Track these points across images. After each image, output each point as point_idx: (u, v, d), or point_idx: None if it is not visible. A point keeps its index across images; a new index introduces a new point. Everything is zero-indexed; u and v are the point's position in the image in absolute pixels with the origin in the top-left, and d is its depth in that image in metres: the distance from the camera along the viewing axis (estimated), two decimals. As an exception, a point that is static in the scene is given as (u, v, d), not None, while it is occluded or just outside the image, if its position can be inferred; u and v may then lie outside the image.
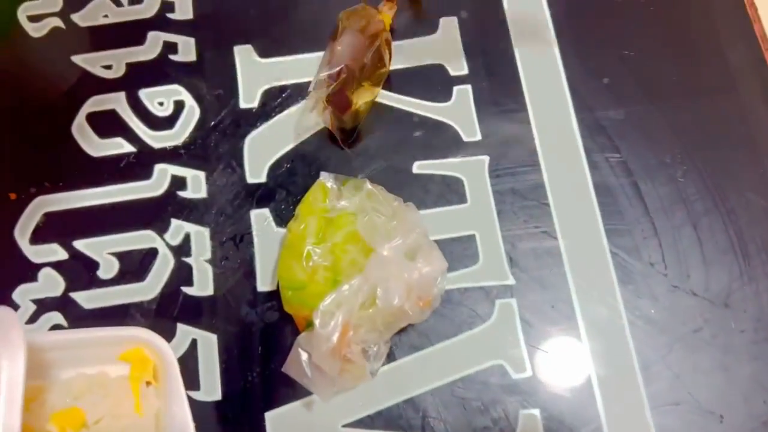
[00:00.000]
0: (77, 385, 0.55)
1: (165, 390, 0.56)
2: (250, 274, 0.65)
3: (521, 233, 0.66)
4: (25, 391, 0.54)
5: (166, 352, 0.57)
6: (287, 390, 0.61)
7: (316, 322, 0.55)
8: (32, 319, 0.63)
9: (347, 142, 0.68)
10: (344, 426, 0.61)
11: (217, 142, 0.69)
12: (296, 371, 0.57)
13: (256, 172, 0.69)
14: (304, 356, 0.56)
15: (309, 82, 0.67)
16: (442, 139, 0.69)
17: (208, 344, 0.63)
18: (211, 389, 0.61)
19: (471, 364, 0.62)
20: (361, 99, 0.68)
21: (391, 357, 0.62)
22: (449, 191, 0.67)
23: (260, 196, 0.68)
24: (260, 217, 0.67)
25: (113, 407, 0.55)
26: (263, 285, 0.65)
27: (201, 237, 0.66)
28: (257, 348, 0.62)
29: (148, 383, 0.57)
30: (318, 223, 0.60)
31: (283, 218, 0.67)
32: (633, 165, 0.68)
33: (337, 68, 0.65)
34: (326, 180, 0.62)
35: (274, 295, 0.64)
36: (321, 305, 0.56)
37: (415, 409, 0.60)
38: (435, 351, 0.62)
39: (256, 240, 0.66)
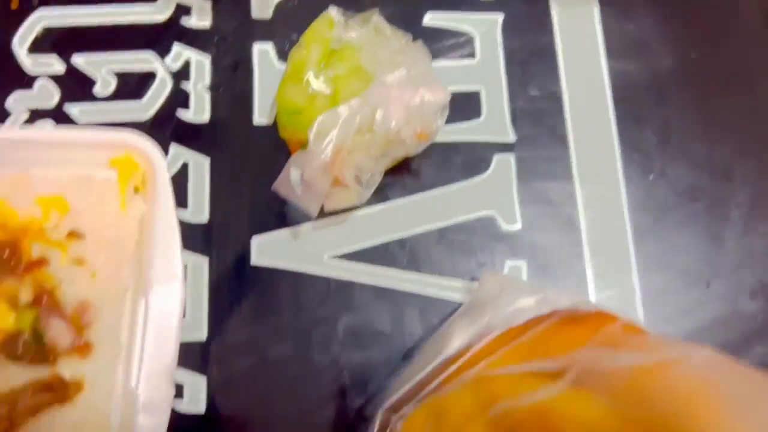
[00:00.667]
0: (64, 177, 0.55)
1: (153, 197, 0.55)
2: (248, 104, 0.64)
3: (527, 94, 0.64)
4: (11, 179, 0.54)
5: (157, 159, 0.56)
6: (276, 217, 0.61)
7: (311, 137, 0.54)
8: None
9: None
10: (330, 257, 0.60)
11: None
12: (286, 189, 0.56)
13: (262, 9, 0.67)
14: (295, 174, 0.56)
15: None
16: (456, -7, 0.67)
17: (200, 167, 0.62)
18: (199, 211, 0.61)
19: (463, 212, 0.61)
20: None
21: (383, 198, 0.61)
22: (458, 45, 0.66)
23: (265, 31, 0.66)
24: (263, 52, 0.66)
25: (98, 203, 0.55)
26: (261, 117, 0.64)
27: (201, 64, 0.65)
28: (248, 174, 0.62)
29: (136, 189, 0.57)
30: (322, 51, 0.59)
31: (285, 55, 0.65)
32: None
33: None
34: (334, 12, 0.61)
35: (270, 129, 0.63)
36: (316, 121, 0.55)
37: (402, 247, 0.60)
38: (428, 196, 0.62)
39: (256, 72, 0.65)
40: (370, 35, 0.59)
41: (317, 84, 0.58)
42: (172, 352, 0.51)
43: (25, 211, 0.53)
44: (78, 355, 0.51)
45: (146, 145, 0.56)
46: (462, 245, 0.60)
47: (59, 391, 0.50)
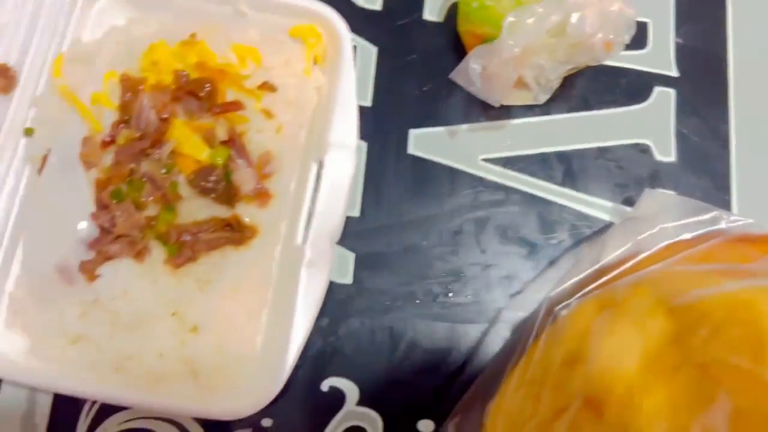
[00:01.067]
0: (257, 35, 0.55)
1: (335, 69, 0.56)
2: (420, 1, 0.64)
3: (693, 32, 0.65)
4: (210, 26, 0.54)
5: (343, 32, 0.56)
6: (434, 114, 0.61)
7: (504, 29, 0.55)
8: None
9: None
10: (483, 159, 0.61)
11: None
12: (464, 78, 0.56)
13: None
14: (476, 65, 0.56)
15: None
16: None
17: (367, 53, 0.63)
18: (363, 97, 0.61)
19: (620, 136, 0.62)
20: None
21: (546, 111, 0.62)
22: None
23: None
24: (440, -48, 0.66)
25: (285, 64, 0.56)
26: (430, 15, 0.64)
27: (377, -44, 0.65)
28: (414, 67, 0.62)
29: (315, 60, 0.57)
30: (511, -48, 0.59)
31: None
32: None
33: None
34: None
35: (439, 27, 0.64)
36: (511, 14, 0.55)
37: (559, 161, 0.61)
38: (590, 115, 0.62)
39: (433, -30, 0.65)
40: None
41: (505, -15, 0.58)
42: (339, 217, 0.52)
43: (222, 57, 0.53)
44: (257, 202, 0.52)
45: (334, 18, 0.56)
46: (616, 168, 0.61)
47: (236, 232, 0.51)
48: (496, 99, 0.56)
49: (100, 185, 0.51)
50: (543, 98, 0.57)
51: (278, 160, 0.53)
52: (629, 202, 0.59)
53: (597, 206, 0.60)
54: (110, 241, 0.50)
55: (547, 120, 0.62)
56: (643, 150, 0.61)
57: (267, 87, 0.53)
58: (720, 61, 0.64)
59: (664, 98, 0.63)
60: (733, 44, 0.65)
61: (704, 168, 0.61)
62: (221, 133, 0.51)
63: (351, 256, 0.58)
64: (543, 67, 0.56)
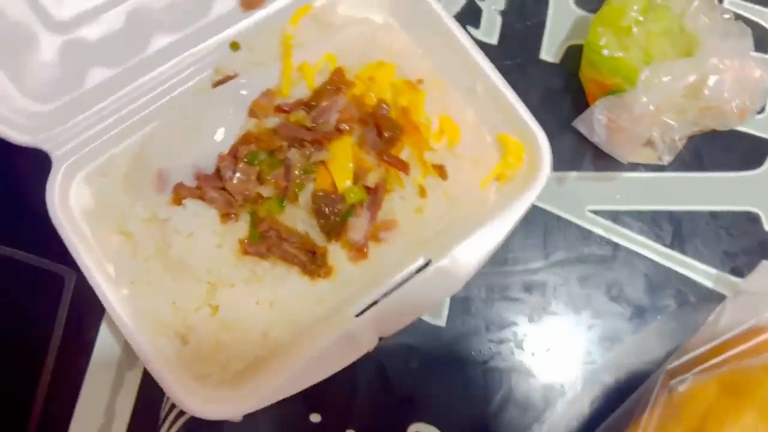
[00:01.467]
0: (473, 116, 0.55)
1: (515, 193, 0.52)
2: (537, 38, 0.62)
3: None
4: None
5: (544, 166, 0.51)
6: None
7: (640, 82, 0.53)
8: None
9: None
10: (591, 211, 0.59)
11: None
12: (587, 128, 0.55)
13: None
14: (602, 117, 0.54)
15: None
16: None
17: (480, 88, 0.61)
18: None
19: (731, 202, 0.60)
20: None
21: (658, 167, 0.60)
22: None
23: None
24: (561, -9, 0.64)
25: (472, 160, 0.54)
26: (547, 55, 0.62)
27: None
28: (530, 105, 0.60)
29: (499, 177, 0.54)
30: (643, 4, 0.57)
31: (582, 0, 0.64)
32: None
33: None
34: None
35: (556, 68, 0.62)
36: (647, 69, 0.53)
37: (669, 221, 0.59)
38: (702, 177, 0.60)
39: (551, 8, 0.64)
40: (698, 1, 0.57)
41: (635, 34, 0.56)
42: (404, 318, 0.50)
43: (426, 117, 0.52)
44: (351, 254, 0.50)
45: (544, 152, 0.52)
46: (726, 235, 0.59)
47: (313, 264, 0.49)
48: (621, 155, 0.54)
49: (246, 138, 0.50)
50: (668, 159, 0.55)
51: (397, 235, 0.50)
52: (737, 272, 0.58)
53: (703, 273, 0.58)
54: (214, 186, 0.49)
55: (659, 177, 0.60)
56: (753, 219, 0.59)
57: (440, 172, 0.51)
58: None
59: (780, 166, 0.61)
60: None
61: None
62: (372, 178, 0.49)
63: (446, 299, 0.56)
64: (672, 127, 0.54)
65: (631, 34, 0.56)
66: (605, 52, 0.56)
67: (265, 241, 0.49)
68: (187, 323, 0.49)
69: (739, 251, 0.59)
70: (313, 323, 0.50)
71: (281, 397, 0.46)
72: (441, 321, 0.55)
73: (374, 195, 0.49)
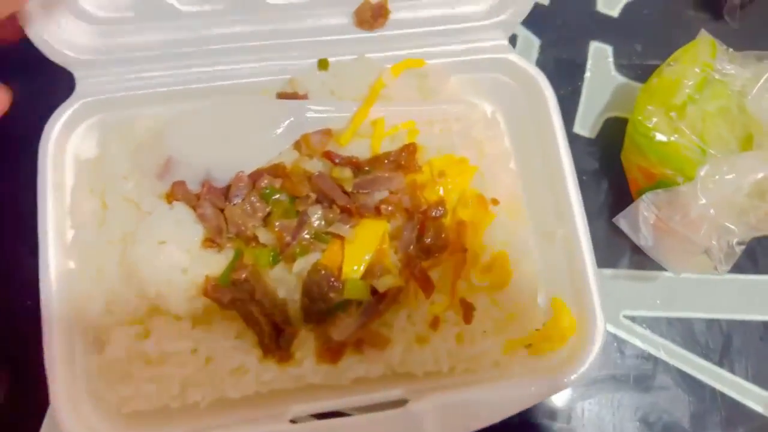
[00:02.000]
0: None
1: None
2: (573, 109, 0.54)
3: None
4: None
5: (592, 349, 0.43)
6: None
7: (698, 179, 0.44)
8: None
9: (732, 13, 0.56)
10: (625, 317, 0.50)
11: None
12: (631, 227, 0.46)
13: (609, 4, 0.57)
14: (649, 214, 0.46)
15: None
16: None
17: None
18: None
19: (785, 314, 0.51)
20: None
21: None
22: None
23: (606, 29, 0.56)
24: (600, 53, 0.56)
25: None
26: (581, 128, 0.54)
27: (528, 46, 0.55)
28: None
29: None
30: (699, 78, 0.49)
31: (626, 65, 0.56)
32: None
33: None
34: (710, 37, 0.51)
35: (590, 143, 0.54)
36: (707, 166, 0.45)
37: (717, 333, 0.50)
38: (757, 281, 0.52)
39: (586, 76, 0.55)
40: (765, 79, 0.49)
41: (689, 114, 0.48)
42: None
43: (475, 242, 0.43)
44: (319, 352, 0.41)
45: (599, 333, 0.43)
46: (776, 350, 0.50)
47: (275, 344, 0.41)
48: (671, 265, 0.45)
49: (275, 169, 0.42)
50: (725, 269, 0.46)
51: (383, 357, 0.41)
52: (799, 401, 0.49)
53: (755, 396, 0.49)
54: (214, 203, 0.42)
55: (706, 279, 0.51)
56: (813, 335, 0.51)
57: (467, 312, 0.42)
58: None
59: None
60: None
61: None
62: (385, 282, 0.40)
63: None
64: (732, 232, 0.46)
65: (685, 114, 0.48)
66: (656, 136, 0.47)
67: (234, 291, 0.40)
68: (112, 334, 0.41)
69: (793, 372, 0.50)
70: (242, 404, 0.41)
71: None
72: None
73: (378, 302, 0.40)
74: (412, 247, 0.41)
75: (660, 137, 0.48)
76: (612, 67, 0.56)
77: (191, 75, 0.46)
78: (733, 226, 0.46)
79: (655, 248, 0.46)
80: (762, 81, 0.49)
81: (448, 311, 0.42)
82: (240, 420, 0.41)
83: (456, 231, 0.42)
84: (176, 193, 0.42)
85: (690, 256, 0.45)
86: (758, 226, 0.47)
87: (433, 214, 0.41)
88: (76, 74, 0.45)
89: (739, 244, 0.47)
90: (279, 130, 0.43)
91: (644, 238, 0.46)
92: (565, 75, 0.55)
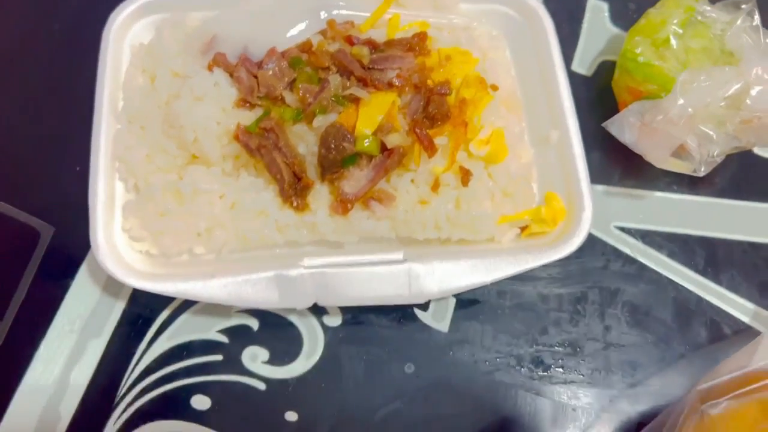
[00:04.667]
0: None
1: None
2: (570, 52, 0.60)
3: None
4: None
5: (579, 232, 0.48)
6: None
7: (678, 84, 0.49)
8: None
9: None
10: (617, 227, 0.54)
11: None
12: (618, 129, 0.51)
13: (607, -31, 0.64)
14: (634, 120, 0.51)
15: None
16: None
17: (508, 90, 0.58)
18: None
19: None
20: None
21: (692, 189, 0.56)
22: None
23: (604, -10, 0.63)
24: (597, 8, 0.63)
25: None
26: (579, 67, 0.60)
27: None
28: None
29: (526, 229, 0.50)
30: (682, 18, 0.55)
31: (620, 18, 0.62)
32: None
33: None
34: (697, -13, 0.57)
35: (587, 80, 0.59)
36: (685, 73, 0.50)
37: (702, 247, 0.54)
38: (740, 206, 0.56)
39: (584, 25, 0.62)
40: (740, 20, 0.55)
41: (673, 46, 0.54)
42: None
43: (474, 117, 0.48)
44: (332, 205, 0.46)
45: (586, 221, 0.48)
46: (765, 267, 0.53)
47: (294, 191, 0.46)
48: (654, 158, 0.50)
49: (303, 46, 0.49)
50: (703, 171, 0.51)
51: (388, 214, 0.46)
52: (776, 308, 0.52)
53: (738, 306, 0.52)
54: (248, 69, 0.47)
55: (694, 200, 0.55)
56: (796, 254, 0.54)
57: (465, 176, 0.47)
58: None
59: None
60: None
61: None
62: (393, 140, 0.45)
63: (451, 301, 0.50)
64: (710, 138, 0.50)
65: (669, 45, 0.54)
66: (641, 59, 0.54)
67: (260, 139, 0.45)
68: (150, 179, 0.46)
69: (775, 284, 0.53)
70: (260, 248, 0.47)
71: (191, 298, 0.45)
72: (444, 324, 0.50)
73: (387, 158, 0.45)
74: (418, 114, 0.46)
75: (646, 60, 0.54)
76: (608, 20, 0.62)
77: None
78: (711, 132, 0.50)
79: (638, 144, 0.51)
80: (739, 21, 0.55)
81: (448, 174, 0.46)
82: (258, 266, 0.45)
83: (458, 107, 0.47)
84: (218, 60, 0.48)
85: (670, 150, 0.50)
86: (737, 135, 0.51)
87: (440, 90, 0.47)
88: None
89: (719, 154, 0.52)
90: (309, 20, 0.49)
91: (629, 137, 0.51)
92: (566, 23, 0.61)
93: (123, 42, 0.52)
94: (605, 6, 0.63)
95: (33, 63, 0.57)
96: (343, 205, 0.45)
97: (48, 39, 0.58)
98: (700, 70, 0.51)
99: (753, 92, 0.50)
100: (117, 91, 0.50)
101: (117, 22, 0.51)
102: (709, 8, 0.56)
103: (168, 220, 0.45)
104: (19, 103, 0.55)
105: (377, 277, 0.44)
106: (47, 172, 0.52)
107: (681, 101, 0.49)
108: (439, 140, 0.47)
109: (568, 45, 0.60)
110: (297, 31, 0.49)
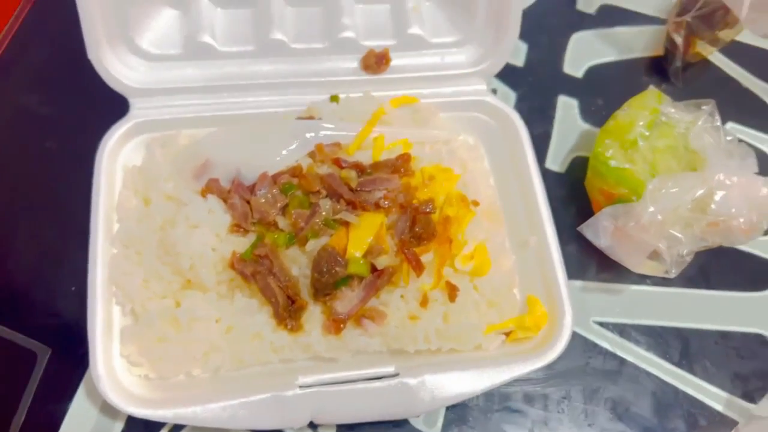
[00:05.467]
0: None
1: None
2: (543, 148, 0.64)
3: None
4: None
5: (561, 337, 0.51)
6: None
7: (648, 192, 0.53)
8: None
9: (677, 75, 0.67)
10: (595, 322, 0.57)
11: (548, 25, 0.70)
12: (593, 233, 0.54)
13: (574, 66, 0.68)
14: (608, 224, 0.54)
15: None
16: (760, 115, 0.68)
17: (487, 190, 0.61)
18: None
19: (741, 323, 0.58)
20: (701, 48, 0.68)
21: (665, 282, 0.58)
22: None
23: (572, 87, 0.67)
24: (567, 105, 0.66)
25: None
26: (552, 164, 0.63)
27: (506, 97, 0.65)
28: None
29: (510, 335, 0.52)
30: (648, 120, 0.59)
31: (590, 115, 0.66)
32: None
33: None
34: (658, 90, 0.61)
35: (560, 177, 0.62)
36: (655, 180, 0.53)
37: (677, 338, 0.56)
38: (710, 295, 0.59)
39: (555, 123, 0.65)
40: (702, 121, 0.58)
41: (641, 148, 0.57)
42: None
43: (464, 240, 0.51)
44: (326, 324, 0.48)
45: (567, 326, 0.51)
46: (736, 357, 0.56)
47: (288, 313, 0.48)
48: (629, 262, 0.53)
49: (294, 170, 0.52)
50: (675, 273, 0.54)
51: (380, 331, 0.48)
52: (749, 397, 0.55)
53: (713, 395, 0.55)
54: (242, 196, 0.50)
55: (666, 292, 0.59)
56: (764, 342, 0.57)
57: (451, 291, 0.49)
58: None
59: (787, 292, 0.60)
60: None
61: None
62: (382, 261, 0.48)
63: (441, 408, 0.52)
64: (679, 240, 0.53)
65: (638, 147, 0.58)
66: (612, 162, 0.57)
67: (255, 265, 0.47)
68: (147, 305, 0.48)
69: (752, 375, 0.56)
70: (257, 369, 0.48)
71: (189, 423, 0.46)
72: (435, 430, 0.51)
73: (377, 278, 0.47)
74: (405, 234, 0.49)
75: (617, 164, 0.57)
76: (578, 116, 0.66)
77: (225, 105, 0.56)
78: (680, 235, 0.54)
79: (613, 249, 0.54)
80: (700, 122, 0.58)
81: (436, 290, 0.48)
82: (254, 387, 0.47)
83: (443, 225, 0.49)
84: (211, 187, 0.50)
85: (643, 255, 0.53)
86: (704, 236, 0.55)
87: (424, 209, 0.49)
88: (130, 99, 0.55)
89: (688, 254, 0.55)
90: (297, 142, 0.52)
91: (604, 242, 0.54)
92: (538, 121, 0.65)
93: (115, 163, 0.53)
94: (575, 103, 0.66)
95: (27, 181, 0.58)
96: (336, 324, 0.47)
97: (43, 157, 0.59)
98: (668, 176, 0.54)
99: (716, 197, 0.53)
100: (111, 213, 0.51)
101: (109, 144, 0.53)
102: (672, 109, 0.59)
103: (166, 346, 0.46)
104: (13, 221, 0.56)
105: (372, 394, 0.46)
106: (42, 293, 0.53)
107: (651, 208, 0.52)
108: (426, 257, 0.49)
109: (542, 143, 0.64)
110: (287, 152, 0.52)
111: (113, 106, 0.55)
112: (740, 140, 0.59)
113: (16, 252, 0.55)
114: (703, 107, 0.59)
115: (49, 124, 0.61)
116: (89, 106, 0.58)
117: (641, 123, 0.59)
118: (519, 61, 0.68)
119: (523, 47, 0.68)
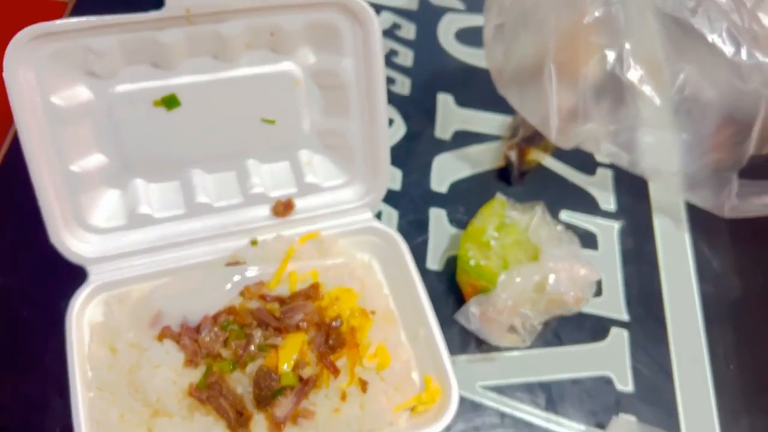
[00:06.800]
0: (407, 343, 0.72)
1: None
2: (423, 253, 0.81)
3: (636, 287, 0.82)
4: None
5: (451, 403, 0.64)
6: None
7: (499, 285, 0.70)
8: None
9: (517, 181, 0.87)
10: (480, 386, 0.73)
11: (415, 153, 0.88)
12: (465, 319, 0.71)
13: (439, 184, 0.87)
14: (475, 311, 0.71)
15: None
16: (584, 202, 0.88)
17: (384, 294, 0.77)
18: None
19: (588, 369, 0.75)
20: (535, 155, 0.88)
21: (531, 346, 0.76)
22: (585, 240, 0.85)
23: (440, 200, 0.85)
24: (437, 215, 0.84)
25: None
26: (433, 264, 0.81)
27: (390, 216, 0.83)
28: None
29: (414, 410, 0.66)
30: (497, 223, 0.77)
31: (455, 221, 0.84)
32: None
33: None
34: (503, 197, 0.80)
35: (439, 274, 0.80)
36: (503, 274, 0.71)
37: (542, 389, 0.73)
38: (562, 351, 0.76)
39: (430, 231, 0.83)
40: (536, 219, 0.78)
41: (493, 247, 0.76)
42: None
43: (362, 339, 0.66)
44: (270, 427, 0.60)
45: (454, 394, 0.65)
46: (587, 397, 0.74)
47: (239, 424, 0.60)
48: (492, 340, 0.70)
49: (229, 310, 0.65)
50: (529, 341, 0.71)
51: (312, 425, 0.61)
52: (601, 426, 0.72)
53: (575, 429, 0.71)
54: (191, 336, 0.63)
55: (530, 354, 0.76)
56: (608, 381, 0.75)
57: (363, 385, 0.62)
58: (660, 306, 0.81)
59: (619, 338, 0.78)
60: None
61: (655, 398, 0.75)
62: (307, 371, 0.61)
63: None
64: (528, 316, 0.71)
65: (491, 246, 0.75)
66: (472, 262, 0.74)
67: (208, 391, 0.60)
68: None
69: (600, 409, 0.73)
70: None
71: None
72: None
73: (304, 385, 0.61)
74: (322, 347, 0.64)
75: (476, 263, 0.74)
76: (447, 223, 0.84)
77: (167, 260, 0.69)
78: (529, 312, 0.71)
79: (480, 330, 0.70)
80: (535, 219, 0.77)
81: (351, 386, 0.63)
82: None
83: (350, 334, 0.65)
84: (165, 333, 0.63)
85: (503, 332, 0.70)
86: (547, 310, 0.72)
87: (334, 324, 0.65)
88: (87, 267, 0.68)
89: (539, 324, 0.73)
90: (229, 285, 0.66)
91: (474, 325, 0.70)
92: (416, 231, 0.82)
93: (82, 321, 0.65)
94: (443, 213, 0.85)
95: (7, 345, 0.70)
96: (277, 426, 0.60)
97: (19, 323, 0.71)
98: (514, 268, 0.72)
99: (550, 281, 0.71)
100: (84, 364, 0.63)
101: (75, 307, 0.65)
102: (514, 212, 0.78)
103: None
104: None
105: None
106: (30, 437, 0.64)
107: (504, 295, 0.70)
108: (340, 362, 0.64)
109: (422, 248, 0.81)
110: (221, 294, 0.66)
111: (72, 272, 0.68)
112: (567, 226, 0.79)
113: (6, 407, 0.66)
114: (536, 207, 0.78)
115: (18, 297, 0.73)
116: (52, 276, 0.70)
117: (491, 226, 0.77)
118: (396, 185, 0.86)
119: (399, 173, 0.87)
